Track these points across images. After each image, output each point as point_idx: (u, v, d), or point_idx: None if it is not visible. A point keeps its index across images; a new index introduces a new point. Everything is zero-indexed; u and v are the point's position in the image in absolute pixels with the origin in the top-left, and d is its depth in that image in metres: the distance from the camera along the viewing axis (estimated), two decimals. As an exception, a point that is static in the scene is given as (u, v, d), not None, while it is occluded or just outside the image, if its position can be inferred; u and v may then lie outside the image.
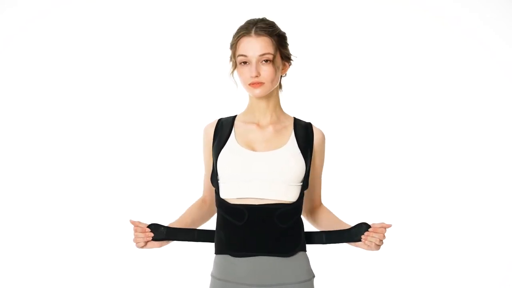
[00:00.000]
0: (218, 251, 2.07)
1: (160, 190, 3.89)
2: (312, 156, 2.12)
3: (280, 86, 2.14)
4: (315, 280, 2.10)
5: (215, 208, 2.14)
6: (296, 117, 2.18)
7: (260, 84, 2.02)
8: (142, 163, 3.94)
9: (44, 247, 3.89)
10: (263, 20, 2.05)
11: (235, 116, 2.17)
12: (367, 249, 2.03)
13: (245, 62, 2.02)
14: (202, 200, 2.23)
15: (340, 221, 2.14)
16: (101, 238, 3.91)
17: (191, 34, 3.97)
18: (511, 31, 4.00)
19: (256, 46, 2.00)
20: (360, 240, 2.03)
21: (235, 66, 2.06)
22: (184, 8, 3.99)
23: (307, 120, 2.19)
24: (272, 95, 2.10)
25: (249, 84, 2.03)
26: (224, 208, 2.05)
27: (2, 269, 3.88)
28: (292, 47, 2.13)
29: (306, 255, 2.09)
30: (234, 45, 2.05)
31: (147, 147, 3.95)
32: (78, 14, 3.94)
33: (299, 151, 2.05)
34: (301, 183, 2.06)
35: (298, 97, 3.52)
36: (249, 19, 2.07)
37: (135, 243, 2.07)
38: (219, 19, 3.89)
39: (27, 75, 3.93)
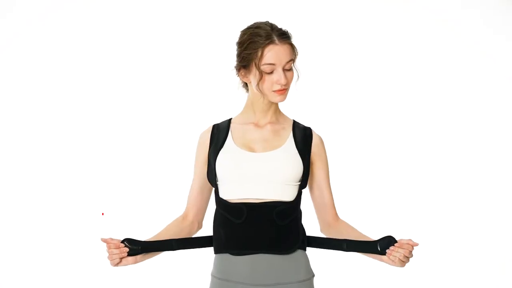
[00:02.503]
0: (217, 250, 2.09)
1: (159, 192, 3.92)
2: (312, 160, 2.14)
3: None
4: (315, 279, 2.12)
5: (196, 225, 2.18)
6: (296, 120, 2.19)
7: (285, 90, 2.05)
8: (140, 164, 3.96)
9: (42, 247, 3.92)
10: (274, 26, 2.06)
11: (230, 119, 2.18)
12: (391, 264, 1.99)
13: (271, 71, 2.03)
14: (183, 217, 2.20)
15: (363, 235, 2.11)
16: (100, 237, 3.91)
17: (190, 35, 3.98)
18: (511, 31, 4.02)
19: (283, 53, 2.01)
20: (384, 254, 1.99)
21: (261, 76, 2.04)
22: (183, 9, 4.00)
23: (307, 125, 2.21)
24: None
25: (275, 91, 2.04)
26: (223, 207, 2.06)
27: (2, 269, 3.90)
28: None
29: (305, 254, 2.10)
30: (257, 54, 2.02)
31: (145, 149, 3.97)
32: (77, 14, 3.95)
33: (296, 151, 2.08)
34: (299, 183, 2.08)
35: (299, 99, 3.55)
36: (253, 23, 2.07)
37: (109, 261, 2.01)
38: (218, 19, 3.90)
39: (27, 76, 3.94)
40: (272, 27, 2.04)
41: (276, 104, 2.14)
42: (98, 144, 3.96)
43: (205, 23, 3.97)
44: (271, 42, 2.01)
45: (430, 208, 3.98)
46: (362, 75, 4.00)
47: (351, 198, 3.93)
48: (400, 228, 3.95)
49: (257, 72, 2.02)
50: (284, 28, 2.06)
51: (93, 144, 3.95)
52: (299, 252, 2.07)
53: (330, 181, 2.21)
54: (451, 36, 4.01)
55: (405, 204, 3.97)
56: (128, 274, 3.89)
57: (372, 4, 4.01)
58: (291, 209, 2.06)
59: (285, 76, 2.02)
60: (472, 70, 4.01)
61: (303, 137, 2.13)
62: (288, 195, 2.05)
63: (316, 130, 2.20)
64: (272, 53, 2.01)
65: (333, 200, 2.21)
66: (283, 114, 2.18)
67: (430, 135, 3.99)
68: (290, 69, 2.05)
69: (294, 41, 2.07)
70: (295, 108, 2.48)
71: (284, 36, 2.02)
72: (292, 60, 2.03)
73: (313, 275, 2.10)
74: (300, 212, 2.12)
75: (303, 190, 2.13)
